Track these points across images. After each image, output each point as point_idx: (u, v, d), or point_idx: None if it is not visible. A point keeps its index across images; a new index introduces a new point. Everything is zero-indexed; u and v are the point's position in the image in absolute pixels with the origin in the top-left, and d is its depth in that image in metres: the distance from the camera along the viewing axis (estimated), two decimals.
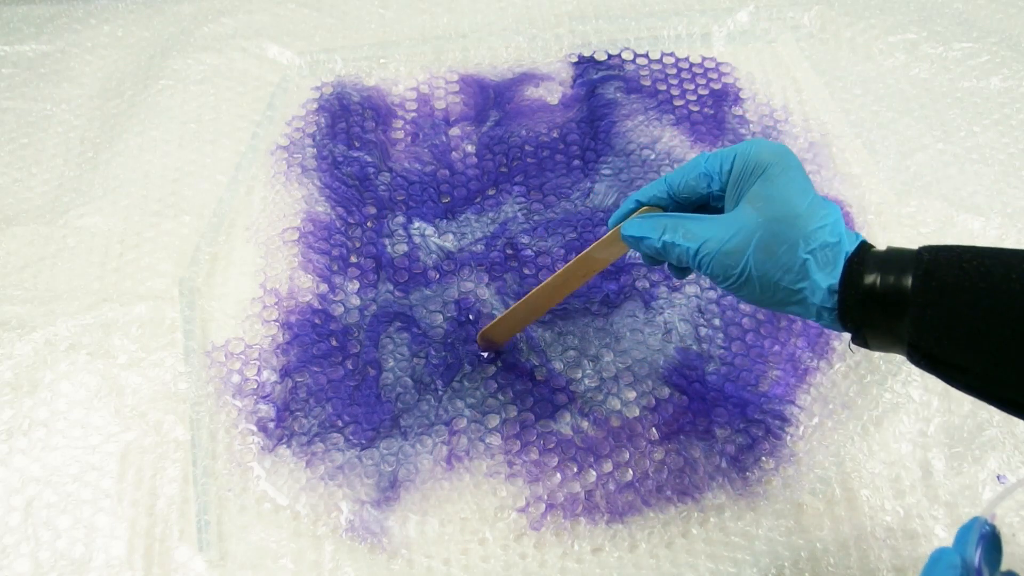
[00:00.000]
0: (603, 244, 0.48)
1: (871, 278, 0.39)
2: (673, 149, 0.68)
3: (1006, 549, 0.51)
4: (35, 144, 0.72)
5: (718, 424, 0.56)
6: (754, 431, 0.56)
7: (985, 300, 0.36)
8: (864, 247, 0.41)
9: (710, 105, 0.72)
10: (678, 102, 0.72)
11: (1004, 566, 0.39)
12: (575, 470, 0.55)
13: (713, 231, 0.43)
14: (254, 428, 0.56)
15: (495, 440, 0.56)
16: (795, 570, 0.51)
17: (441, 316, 0.61)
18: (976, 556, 0.37)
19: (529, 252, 0.64)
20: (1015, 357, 0.36)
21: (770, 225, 0.41)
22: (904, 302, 0.38)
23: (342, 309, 0.61)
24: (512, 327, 0.57)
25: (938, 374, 0.39)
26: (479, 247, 0.64)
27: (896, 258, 0.39)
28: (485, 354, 0.59)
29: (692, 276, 0.61)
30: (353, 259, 0.64)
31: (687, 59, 0.75)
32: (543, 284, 0.51)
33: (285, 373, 0.58)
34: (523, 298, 0.53)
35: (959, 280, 0.37)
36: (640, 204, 0.47)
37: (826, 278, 0.40)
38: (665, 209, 0.47)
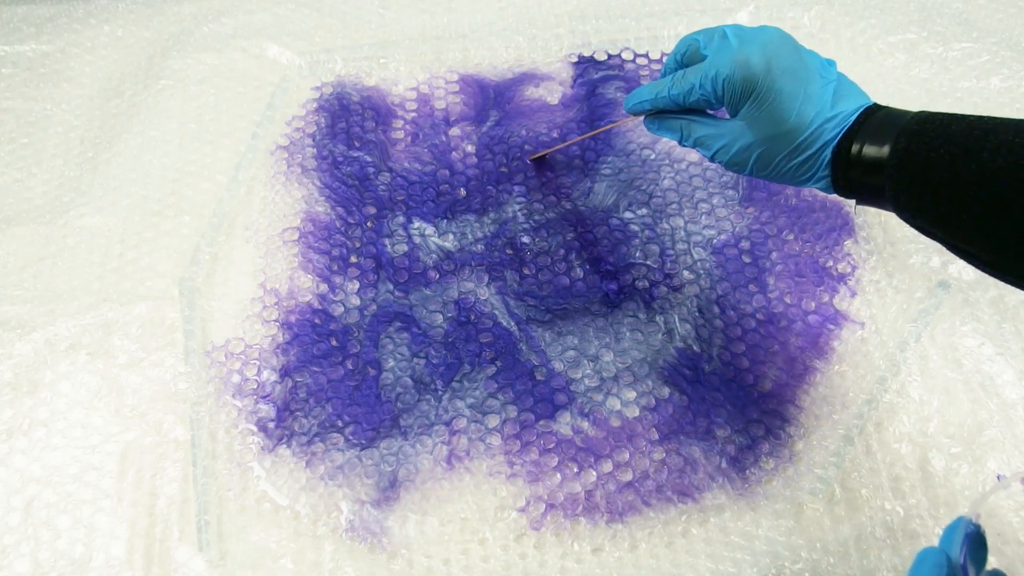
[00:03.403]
0: (623, 124, 0.58)
1: (856, 148, 0.44)
2: (673, 149, 0.68)
3: (1007, 549, 0.51)
4: (35, 144, 0.72)
5: (718, 424, 0.56)
6: (754, 431, 0.56)
7: (951, 169, 0.40)
8: (861, 117, 0.44)
9: None
10: None
11: (1006, 566, 0.39)
12: (575, 470, 0.55)
13: (722, 139, 0.48)
14: (254, 428, 0.56)
15: (495, 440, 0.56)
16: (795, 570, 0.51)
17: (441, 316, 0.61)
18: (961, 555, 0.37)
19: (529, 252, 0.64)
20: (978, 222, 0.39)
21: (764, 143, 0.46)
22: (882, 170, 0.43)
23: (342, 309, 0.61)
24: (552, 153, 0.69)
25: (922, 232, 0.43)
26: (479, 247, 0.64)
27: (886, 126, 0.43)
28: (488, 341, 0.59)
29: (691, 272, 0.61)
30: (353, 259, 0.64)
31: None
32: (576, 138, 0.66)
33: (285, 373, 0.58)
34: (566, 142, 0.67)
35: (931, 149, 0.41)
36: (653, 109, 0.52)
37: (817, 173, 0.46)
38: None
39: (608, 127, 0.59)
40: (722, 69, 0.46)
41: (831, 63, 0.47)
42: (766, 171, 0.47)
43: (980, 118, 0.41)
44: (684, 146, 0.51)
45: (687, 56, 0.50)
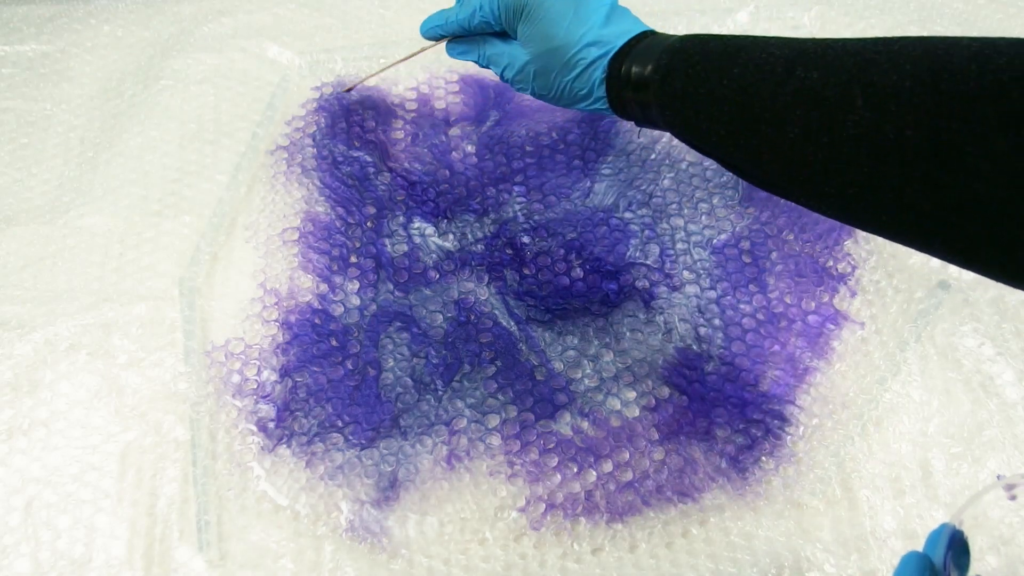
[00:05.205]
0: (424, 50, 0.63)
1: (625, 68, 0.46)
2: (673, 149, 0.68)
3: (1006, 550, 0.51)
4: (35, 144, 0.72)
5: (718, 424, 0.56)
6: (754, 431, 0.56)
7: (705, 87, 0.41)
8: (633, 41, 0.47)
9: None
10: None
11: (1006, 566, 0.39)
12: (575, 470, 0.55)
13: (507, 57, 0.53)
14: (254, 428, 0.56)
15: (495, 440, 0.56)
16: (795, 570, 0.51)
17: (441, 316, 0.61)
18: (944, 560, 0.38)
19: (529, 252, 0.64)
20: (734, 135, 0.40)
21: (537, 60, 0.50)
22: (648, 88, 0.45)
23: (342, 309, 0.61)
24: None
25: (693, 147, 0.45)
26: (479, 247, 0.64)
27: (653, 48, 0.45)
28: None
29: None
30: (353, 259, 0.64)
31: None
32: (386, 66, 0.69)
33: (285, 373, 0.58)
34: (377, 71, 0.69)
35: (689, 66, 0.42)
36: (445, 35, 0.58)
37: (590, 90, 0.49)
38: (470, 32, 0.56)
39: (415, 53, 0.64)
40: None
41: None
42: (546, 89, 0.51)
43: (737, 37, 0.42)
44: (481, 65, 0.56)
45: None
